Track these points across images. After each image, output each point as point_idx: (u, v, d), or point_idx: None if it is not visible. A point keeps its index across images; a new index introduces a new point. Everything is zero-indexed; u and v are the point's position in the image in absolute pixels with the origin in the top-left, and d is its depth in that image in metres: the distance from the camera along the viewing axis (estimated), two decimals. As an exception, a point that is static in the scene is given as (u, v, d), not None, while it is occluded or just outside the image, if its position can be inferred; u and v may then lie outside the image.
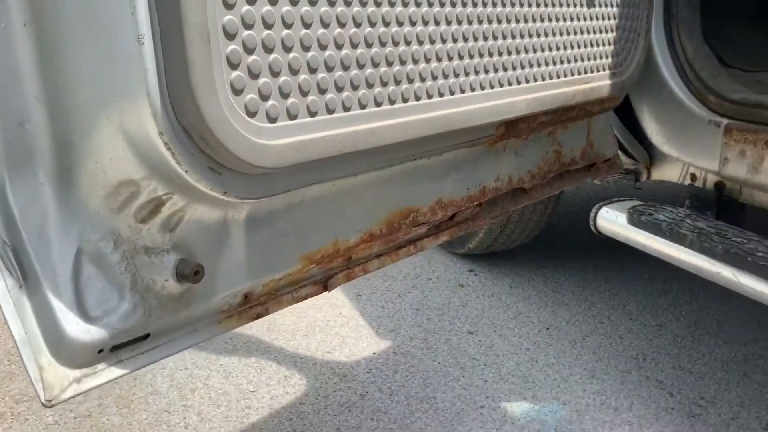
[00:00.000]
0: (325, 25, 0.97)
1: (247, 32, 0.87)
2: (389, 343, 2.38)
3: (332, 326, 2.49)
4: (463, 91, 1.23)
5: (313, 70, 0.95)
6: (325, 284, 1.13)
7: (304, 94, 0.94)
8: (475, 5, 1.22)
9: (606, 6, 1.59)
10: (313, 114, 0.96)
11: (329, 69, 0.98)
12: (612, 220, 2.02)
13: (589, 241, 3.18)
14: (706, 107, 1.92)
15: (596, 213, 2.08)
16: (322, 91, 0.97)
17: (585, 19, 1.52)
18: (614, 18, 1.64)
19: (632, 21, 1.74)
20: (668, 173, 2.17)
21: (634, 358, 2.29)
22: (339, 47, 0.99)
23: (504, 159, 1.52)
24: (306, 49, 0.94)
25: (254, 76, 0.88)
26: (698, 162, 1.97)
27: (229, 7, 0.85)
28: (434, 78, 1.16)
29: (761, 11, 2.52)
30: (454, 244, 2.99)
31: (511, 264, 3.02)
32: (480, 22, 1.24)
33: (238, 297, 1.00)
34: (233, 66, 0.86)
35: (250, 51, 0.87)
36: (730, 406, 2.02)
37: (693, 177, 2.08)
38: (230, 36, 0.85)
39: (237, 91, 0.86)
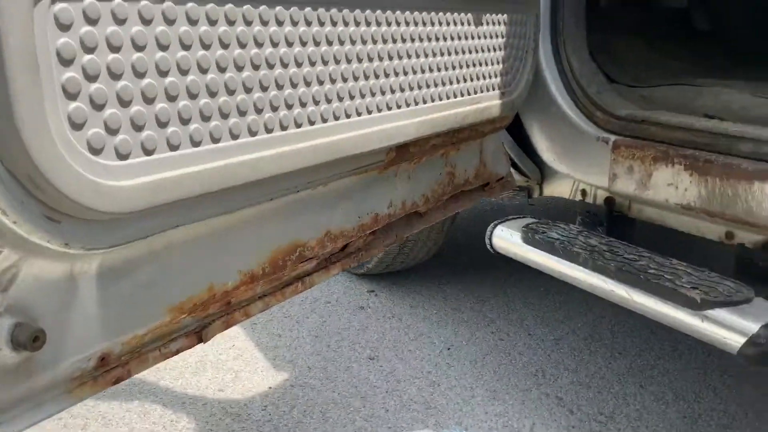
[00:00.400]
0: (186, 47, 0.85)
1: (88, 57, 0.74)
2: (286, 375, 2.25)
3: (225, 360, 2.34)
4: (348, 116, 1.14)
5: (172, 98, 0.84)
6: (199, 335, 1.01)
7: (163, 125, 0.83)
8: (357, 24, 1.14)
9: (493, 24, 1.55)
10: (174, 148, 0.84)
11: (192, 96, 0.86)
12: (507, 239, 2.00)
13: (488, 255, 3.19)
14: (594, 124, 1.93)
15: (491, 232, 2.05)
16: (185, 121, 0.86)
17: (473, 38, 1.48)
18: (502, 36, 1.61)
19: (520, 39, 1.71)
20: (559, 189, 2.18)
21: (533, 375, 2.27)
22: (204, 71, 0.88)
23: (396, 184, 1.45)
24: (163, 74, 0.83)
25: (98, 107, 0.75)
26: (588, 178, 1.98)
27: (65, 28, 0.72)
28: (316, 103, 1.07)
29: (641, 26, 2.59)
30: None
31: (411, 283, 2.97)
32: (364, 42, 1.16)
33: (93, 360, 0.86)
34: (71, 96, 0.73)
35: (92, 78, 0.75)
36: (629, 420, 2.03)
37: (583, 193, 2.09)
38: (66, 62, 0.72)
39: (76, 126, 0.73)
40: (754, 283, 1.62)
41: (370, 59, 1.18)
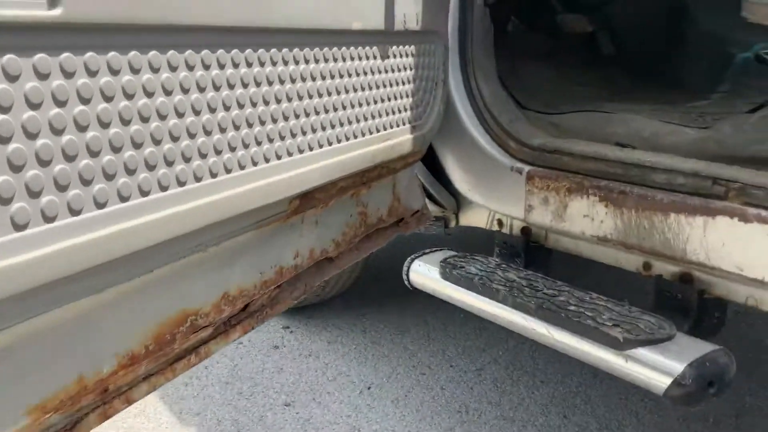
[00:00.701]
0: (35, 106, 0.71)
1: None
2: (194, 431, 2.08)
3: (124, 417, 2.14)
4: (242, 168, 1.02)
5: (17, 168, 0.70)
6: (70, 433, 0.87)
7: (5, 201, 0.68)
8: (249, 65, 1.02)
9: (400, 57, 1.47)
10: (20, 227, 0.70)
11: (44, 163, 0.72)
12: (425, 275, 1.91)
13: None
14: (507, 153, 1.88)
15: (408, 267, 1.96)
16: (34, 194, 0.71)
17: (379, 72, 1.38)
18: (410, 69, 1.53)
19: (429, 70, 1.64)
20: (476, 219, 2.12)
21: (457, 412, 2.20)
22: (58, 132, 0.74)
23: (303, 232, 1.33)
24: (4, 140, 0.68)
25: None
26: (504, 209, 1.93)
27: None
28: (202, 156, 0.94)
29: (549, 52, 2.59)
30: (265, 302, 2.75)
31: (328, 316, 2.85)
32: (257, 84, 1.04)
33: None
34: None
35: None
36: (554, 456, 1.98)
37: (500, 223, 2.04)
38: None
39: None
40: (673, 315, 1.59)
41: (265, 102, 1.06)
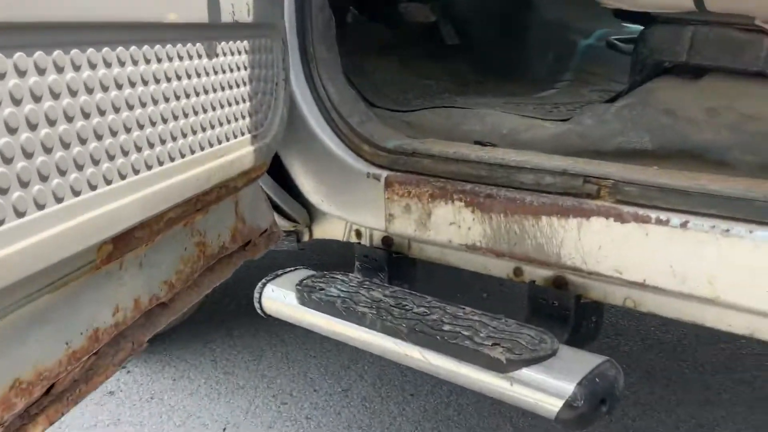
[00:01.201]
0: None
1: None
2: None
3: None
4: (21, 215, 0.74)
5: None
6: None
7: None
8: (22, 73, 0.74)
9: (232, 54, 1.23)
10: None
11: None
12: (280, 301, 1.69)
13: (257, 298, 2.86)
14: (362, 158, 1.70)
15: (261, 293, 1.72)
16: None
17: (207, 74, 1.13)
18: (245, 68, 1.29)
19: (267, 69, 1.41)
20: (332, 231, 1.92)
21: (327, 444, 2.00)
22: None
23: (123, 279, 1.06)
24: None
25: None
26: (362, 220, 1.75)
27: None
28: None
29: (392, 44, 2.44)
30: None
31: (171, 349, 2.53)
32: (36, 99, 0.76)
33: None
34: None
35: None
36: (435, 482, 1.84)
37: (358, 234, 1.85)
38: None
39: None
40: (551, 323, 1.49)
41: (50, 122, 0.78)
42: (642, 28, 2.35)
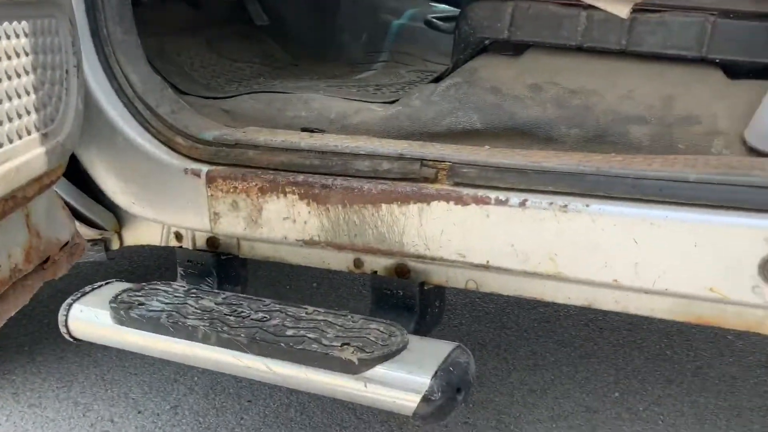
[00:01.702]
0: None
1: None
2: None
3: None
4: None
5: None
6: None
7: None
8: None
9: (7, 38, 1.00)
10: None
11: None
12: (92, 322, 1.48)
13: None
14: (177, 153, 1.52)
15: (67, 315, 1.50)
16: None
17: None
18: (25, 54, 1.06)
19: (53, 55, 1.18)
20: (147, 236, 1.72)
21: (160, 470, 1.80)
22: None
23: None
24: None
25: None
26: (183, 222, 1.57)
27: None
28: None
29: (197, 24, 2.24)
30: None
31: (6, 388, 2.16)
32: None
33: None
34: None
35: None
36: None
37: (178, 236, 1.67)
38: None
39: None
40: (395, 312, 1.44)
41: None
42: (450, 8, 2.39)
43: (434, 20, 2.25)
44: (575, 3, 1.40)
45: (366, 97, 1.72)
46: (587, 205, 1.18)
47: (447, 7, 2.45)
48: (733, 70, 1.37)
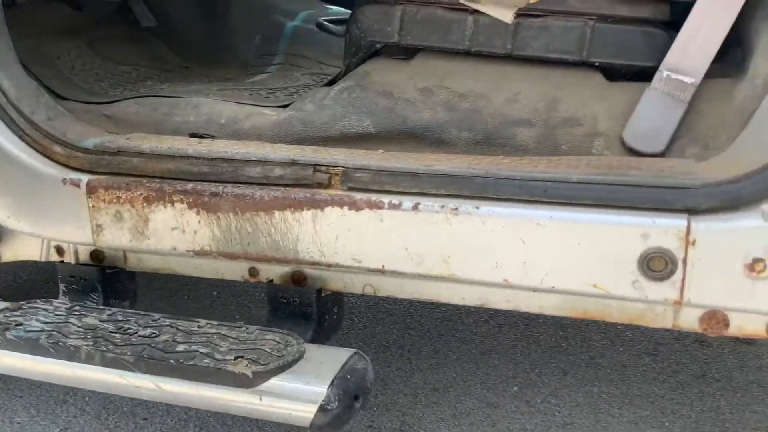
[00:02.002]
0: None
1: None
2: None
3: None
4: None
5: None
6: None
7: None
8: None
9: None
10: None
11: None
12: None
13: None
14: (54, 162, 1.44)
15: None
16: None
17: None
18: None
19: None
20: (24, 251, 1.61)
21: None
22: None
23: None
24: None
25: None
26: (63, 235, 1.49)
27: None
28: None
29: (78, 25, 2.12)
30: None
31: None
32: None
33: None
34: None
35: None
36: None
37: (60, 251, 1.57)
38: None
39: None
40: (292, 321, 1.42)
41: None
42: (344, 10, 2.37)
43: (326, 23, 2.24)
44: (462, 7, 1.42)
45: (258, 100, 1.68)
46: (477, 207, 1.20)
47: (341, 9, 2.43)
48: (612, 73, 1.43)
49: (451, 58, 1.49)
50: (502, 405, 2.05)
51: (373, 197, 1.25)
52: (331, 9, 2.50)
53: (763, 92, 1.19)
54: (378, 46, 1.56)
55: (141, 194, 1.37)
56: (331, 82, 1.63)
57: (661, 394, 2.08)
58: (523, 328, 2.47)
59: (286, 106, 1.58)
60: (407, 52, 1.55)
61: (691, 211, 1.08)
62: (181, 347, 1.26)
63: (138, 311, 1.41)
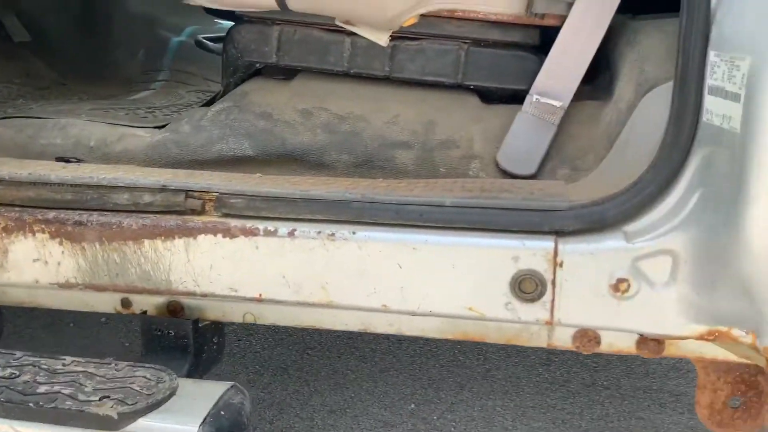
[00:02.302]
0: None
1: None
2: None
3: None
4: None
5: None
6: None
7: None
8: None
9: None
10: None
11: None
12: None
13: None
14: None
15: None
16: None
17: None
18: None
19: None
20: None
21: None
22: None
23: None
24: None
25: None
26: None
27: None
28: None
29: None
30: None
31: None
32: None
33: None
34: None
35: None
36: None
37: None
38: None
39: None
40: (168, 354, 1.35)
41: None
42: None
43: (204, 41, 2.17)
44: (339, 29, 1.41)
45: (134, 120, 1.60)
46: (354, 233, 1.18)
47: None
48: (488, 96, 1.45)
49: (332, 79, 1.47)
50: (398, 424, 2.04)
51: (248, 224, 1.21)
52: (222, 24, 2.44)
53: (626, 115, 1.23)
54: (257, 66, 1.52)
55: (-2, 224, 1.27)
56: (209, 103, 1.58)
57: (553, 404, 2.12)
58: (422, 343, 2.48)
59: (162, 126, 1.51)
60: (287, 72, 1.52)
61: (558, 233, 1.10)
62: (42, 388, 1.17)
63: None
